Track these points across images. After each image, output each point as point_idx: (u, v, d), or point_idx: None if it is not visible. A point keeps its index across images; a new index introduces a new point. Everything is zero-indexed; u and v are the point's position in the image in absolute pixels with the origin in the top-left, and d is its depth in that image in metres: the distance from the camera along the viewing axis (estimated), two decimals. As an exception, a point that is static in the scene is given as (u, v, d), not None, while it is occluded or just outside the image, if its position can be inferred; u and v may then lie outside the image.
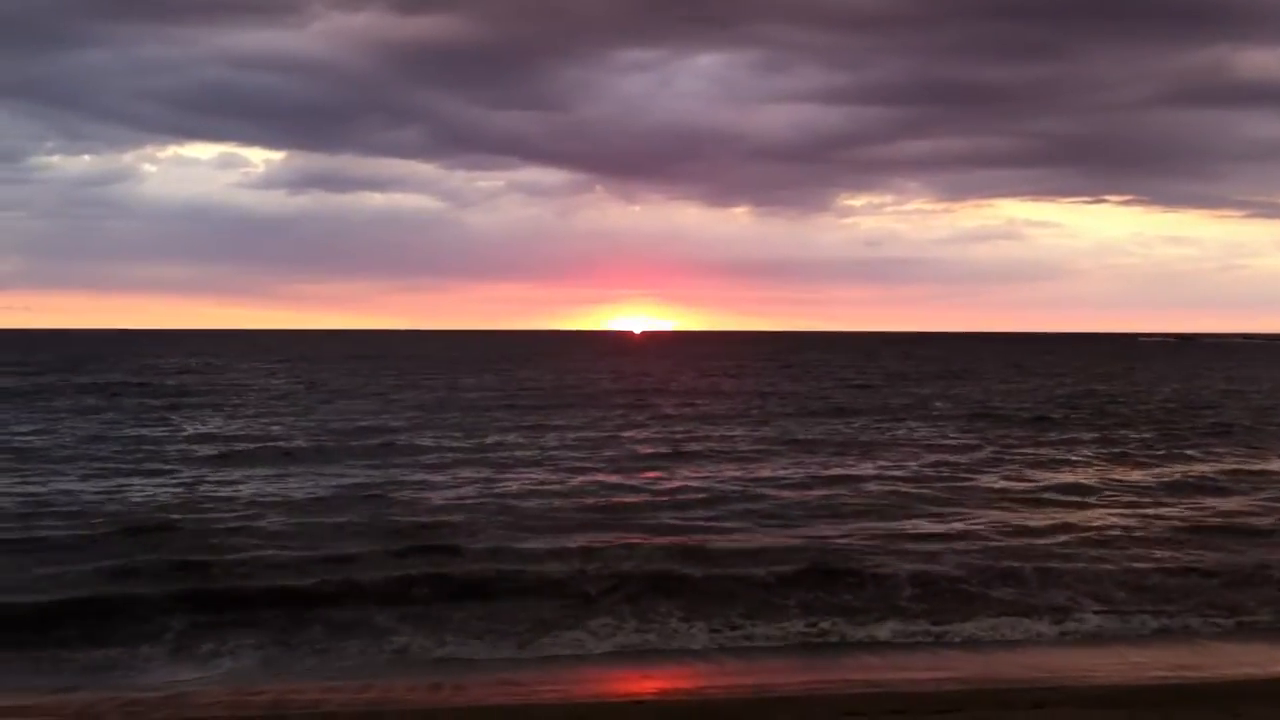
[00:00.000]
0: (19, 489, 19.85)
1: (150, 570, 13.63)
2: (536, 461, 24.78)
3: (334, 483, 21.02)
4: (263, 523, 16.80)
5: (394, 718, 8.82)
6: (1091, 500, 20.06)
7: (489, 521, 17.08)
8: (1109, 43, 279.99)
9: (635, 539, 15.75)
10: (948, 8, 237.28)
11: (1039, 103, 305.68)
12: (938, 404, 44.00)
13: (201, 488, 20.36)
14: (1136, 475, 23.32)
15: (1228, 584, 13.79)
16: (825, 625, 11.97)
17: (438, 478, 21.94)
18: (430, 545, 15.16)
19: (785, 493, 20.43)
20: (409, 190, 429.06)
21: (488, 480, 21.62)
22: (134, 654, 10.82)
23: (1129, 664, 10.64)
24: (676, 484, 21.58)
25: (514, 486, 20.69)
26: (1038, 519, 17.91)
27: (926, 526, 17.14)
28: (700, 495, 20.03)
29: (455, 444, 27.95)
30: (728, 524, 17.31)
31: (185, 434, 30.02)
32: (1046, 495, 20.50)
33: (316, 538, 15.67)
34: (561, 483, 21.36)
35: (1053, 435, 31.49)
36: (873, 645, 11.44)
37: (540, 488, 20.61)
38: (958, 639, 11.67)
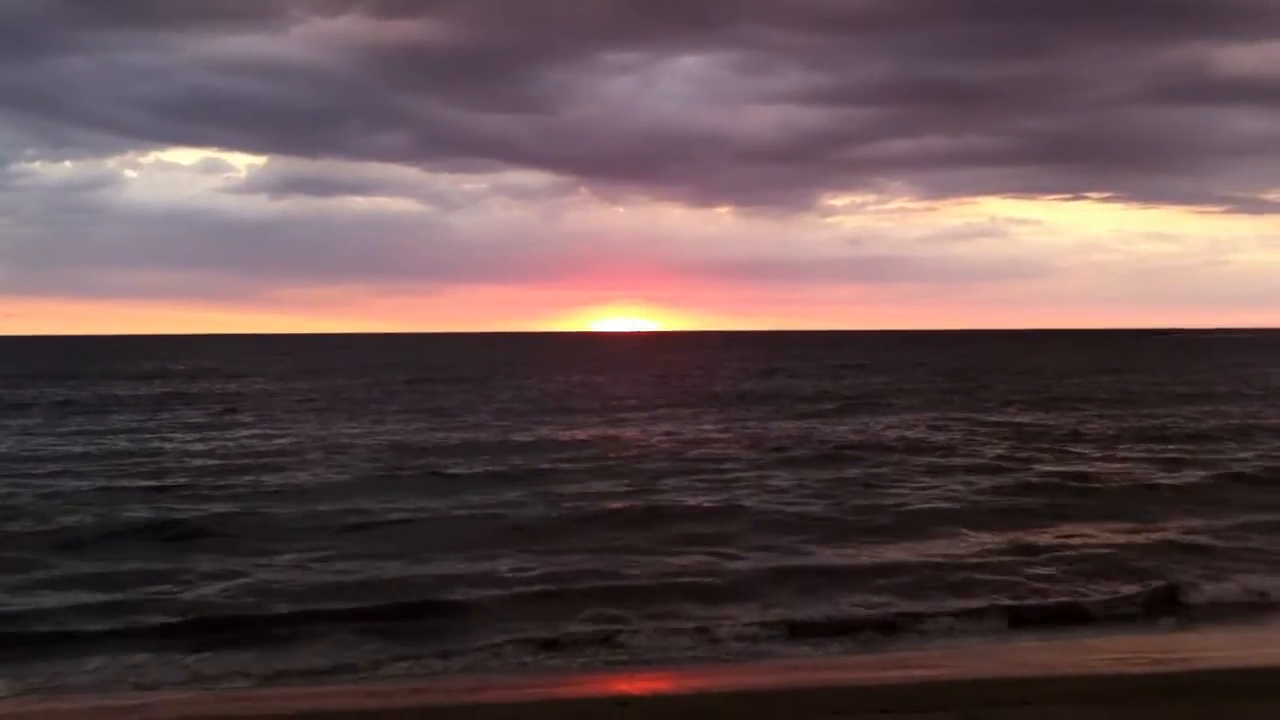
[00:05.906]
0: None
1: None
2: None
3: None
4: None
5: (380, 715, 8.75)
6: None
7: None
8: (1089, 41, 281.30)
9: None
10: (929, 7, 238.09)
11: (1020, 101, 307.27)
12: None
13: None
14: None
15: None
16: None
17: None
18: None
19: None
20: (393, 194, 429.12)
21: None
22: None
23: (1114, 657, 10.64)
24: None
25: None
26: None
27: None
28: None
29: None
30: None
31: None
32: None
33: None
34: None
35: None
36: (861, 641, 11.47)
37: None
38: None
